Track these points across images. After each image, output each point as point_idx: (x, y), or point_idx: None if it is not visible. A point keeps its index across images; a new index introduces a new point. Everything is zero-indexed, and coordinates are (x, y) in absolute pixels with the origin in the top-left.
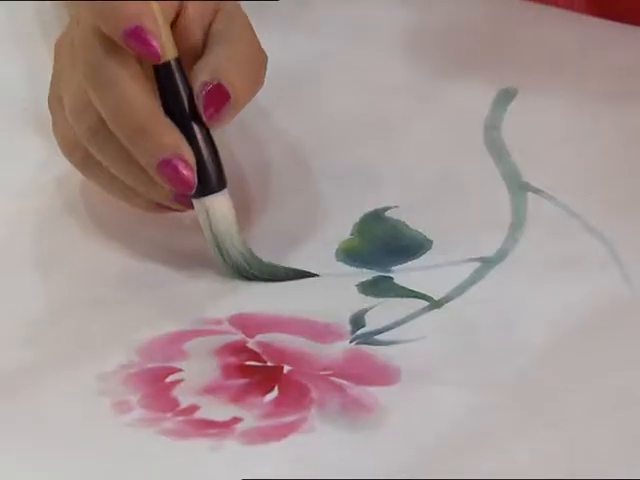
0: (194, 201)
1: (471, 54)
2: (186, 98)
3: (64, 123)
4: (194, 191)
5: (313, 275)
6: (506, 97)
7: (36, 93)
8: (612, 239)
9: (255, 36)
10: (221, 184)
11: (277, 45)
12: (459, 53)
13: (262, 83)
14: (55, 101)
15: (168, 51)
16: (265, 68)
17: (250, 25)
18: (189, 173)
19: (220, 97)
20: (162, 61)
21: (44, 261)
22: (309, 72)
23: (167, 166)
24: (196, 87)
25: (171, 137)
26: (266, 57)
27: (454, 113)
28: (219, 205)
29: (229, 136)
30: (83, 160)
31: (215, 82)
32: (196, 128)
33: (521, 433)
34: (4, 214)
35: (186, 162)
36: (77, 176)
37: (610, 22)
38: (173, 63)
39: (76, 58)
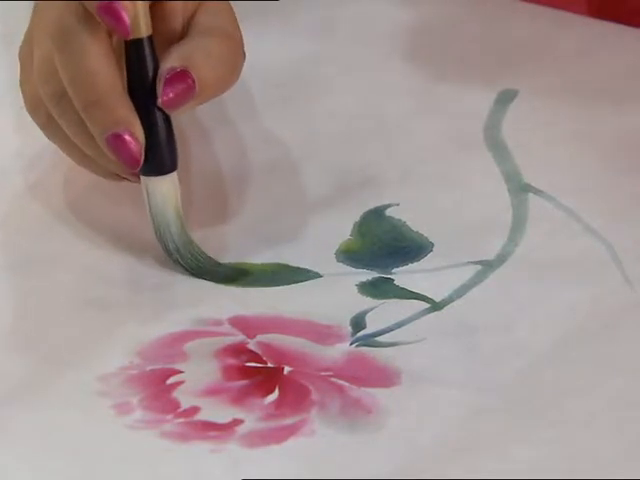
0: (141, 178)
1: (471, 55)
2: (151, 78)
3: (32, 79)
4: (141, 168)
5: (244, 274)
6: (506, 98)
7: None
8: (613, 240)
9: (238, 35)
10: (169, 167)
11: (277, 45)
12: (460, 54)
13: (233, 82)
14: (27, 54)
15: (141, 28)
16: (240, 69)
17: (236, 24)
18: (136, 150)
19: (182, 84)
20: (132, 37)
21: (45, 262)
22: (309, 72)
23: (116, 140)
24: (162, 69)
25: (124, 112)
26: (244, 58)
27: (454, 114)
28: (161, 187)
29: (231, 135)
30: (46, 120)
31: (181, 69)
32: (155, 109)
33: (521, 435)
34: (5, 214)
35: (135, 138)
36: (78, 176)
37: (609, 23)
38: (145, 41)
39: (47, 17)
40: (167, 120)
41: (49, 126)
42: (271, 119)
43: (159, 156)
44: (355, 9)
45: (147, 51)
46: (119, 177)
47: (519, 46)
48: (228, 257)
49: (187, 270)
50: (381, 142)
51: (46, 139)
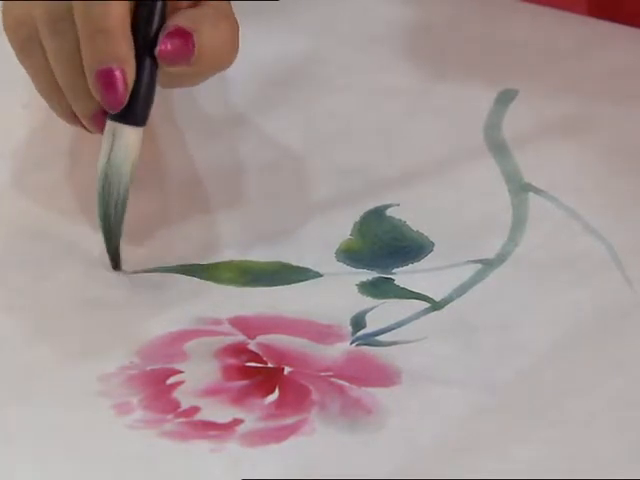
0: (108, 122)
1: (472, 55)
2: (154, 30)
3: (13, 2)
4: (116, 112)
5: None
6: (506, 98)
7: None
8: (613, 240)
9: (237, 24)
10: (142, 121)
11: (277, 45)
12: (460, 54)
13: (228, 64)
14: None
15: None
16: (235, 55)
17: (234, 15)
18: (123, 91)
19: (182, 41)
20: None
21: (45, 261)
22: (309, 72)
23: (107, 75)
24: (167, 24)
25: (126, 50)
26: (238, 48)
27: (455, 113)
28: (128, 138)
29: (231, 135)
30: (25, 41)
31: (185, 28)
32: (147, 61)
33: (521, 435)
34: (5, 213)
35: (125, 80)
36: (79, 176)
37: (610, 23)
38: None
39: None
40: (154, 76)
41: (26, 48)
42: (271, 119)
43: (137, 106)
44: (355, 9)
45: (159, 4)
46: (77, 120)
47: (519, 46)
48: (228, 256)
49: (105, 226)
50: (381, 142)
51: (46, 140)
